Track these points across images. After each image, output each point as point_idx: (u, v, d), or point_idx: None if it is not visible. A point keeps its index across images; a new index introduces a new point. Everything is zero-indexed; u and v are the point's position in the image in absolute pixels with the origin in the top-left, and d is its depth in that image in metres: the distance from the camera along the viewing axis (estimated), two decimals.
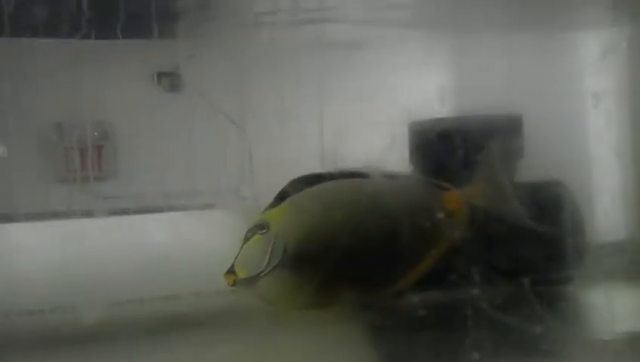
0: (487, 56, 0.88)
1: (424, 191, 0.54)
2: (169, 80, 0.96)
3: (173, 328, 0.65)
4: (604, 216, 0.90)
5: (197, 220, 0.68)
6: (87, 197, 0.89)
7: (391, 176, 0.54)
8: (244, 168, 0.94)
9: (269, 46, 0.93)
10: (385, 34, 0.94)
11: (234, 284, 0.52)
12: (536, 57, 0.89)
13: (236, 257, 0.52)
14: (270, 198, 0.87)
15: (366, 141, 0.89)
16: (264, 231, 0.52)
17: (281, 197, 0.54)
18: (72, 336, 0.66)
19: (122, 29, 0.82)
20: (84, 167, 0.93)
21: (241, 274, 0.52)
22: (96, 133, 0.95)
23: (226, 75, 0.92)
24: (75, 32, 0.78)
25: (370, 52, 0.94)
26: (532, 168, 0.76)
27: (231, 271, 0.52)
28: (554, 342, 0.60)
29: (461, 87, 0.91)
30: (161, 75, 0.96)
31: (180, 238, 0.72)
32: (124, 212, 0.85)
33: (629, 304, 0.78)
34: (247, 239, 0.52)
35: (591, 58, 0.94)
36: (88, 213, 0.86)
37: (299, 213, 0.52)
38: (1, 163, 0.84)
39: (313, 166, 0.88)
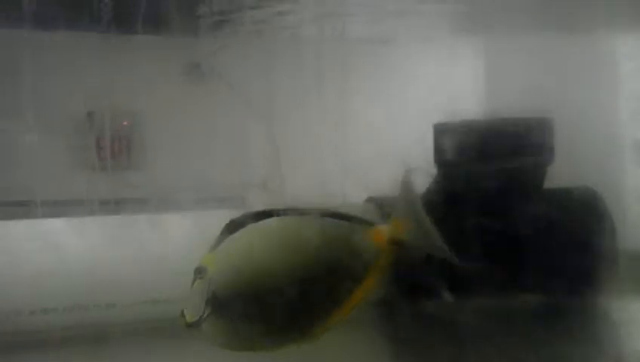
0: (518, 57, 0.86)
1: (348, 228, 0.53)
2: (198, 74, 0.96)
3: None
4: (637, 222, 0.88)
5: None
6: (114, 186, 0.89)
7: (314, 214, 0.53)
8: (271, 162, 0.94)
9: (294, 40, 0.92)
10: (411, 32, 0.93)
11: (186, 326, 0.52)
12: (569, 60, 0.87)
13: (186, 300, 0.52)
14: (296, 192, 0.87)
15: (388, 139, 0.89)
16: (201, 275, 0.51)
17: (219, 240, 0.54)
18: (81, 336, 0.66)
19: (151, 23, 0.82)
20: (113, 156, 0.93)
21: (188, 317, 0.52)
22: (125, 123, 0.96)
23: (253, 69, 0.92)
24: (98, 25, 0.78)
25: (396, 49, 0.93)
26: (562, 173, 0.74)
27: (182, 314, 0.52)
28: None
29: (490, 89, 0.89)
30: (190, 69, 0.96)
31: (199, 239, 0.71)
32: (148, 203, 0.85)
33: None
34: (192, 282, 0.52)
35: (625, 61, 0.91)
36: (115, 203, 0.86)
37: (225, 258, 0.52)
38: (28, 150, 0.85)
39: (334, 161, 0.88)
